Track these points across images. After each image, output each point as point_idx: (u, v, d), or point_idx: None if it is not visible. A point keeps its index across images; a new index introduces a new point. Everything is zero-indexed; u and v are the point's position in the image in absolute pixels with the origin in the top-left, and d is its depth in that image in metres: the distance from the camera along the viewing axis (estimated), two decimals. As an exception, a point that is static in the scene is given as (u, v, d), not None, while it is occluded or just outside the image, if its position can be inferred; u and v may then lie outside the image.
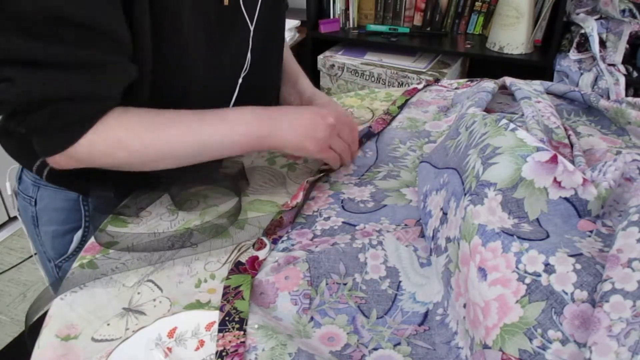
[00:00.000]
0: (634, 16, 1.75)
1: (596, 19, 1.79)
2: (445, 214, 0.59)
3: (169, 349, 0.51)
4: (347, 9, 2.19)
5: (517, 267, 0.46)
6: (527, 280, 0.45)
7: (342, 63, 2.11)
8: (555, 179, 0.52)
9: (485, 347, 0.45)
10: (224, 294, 0.56)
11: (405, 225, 0.66)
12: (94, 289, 0.59)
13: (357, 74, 2.10)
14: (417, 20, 2.16)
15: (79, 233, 0.79)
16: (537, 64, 1.90)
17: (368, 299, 0.57)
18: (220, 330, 0.51)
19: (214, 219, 0.68)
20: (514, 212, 0.52)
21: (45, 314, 0.57)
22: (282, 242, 0.65)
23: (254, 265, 0.60)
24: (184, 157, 0.65)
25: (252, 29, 0.73)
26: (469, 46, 2.02)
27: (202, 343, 0.51)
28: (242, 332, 0.51)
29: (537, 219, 0.52)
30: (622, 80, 1.73)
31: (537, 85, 0.89)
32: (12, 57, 0.55)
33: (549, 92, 0.89)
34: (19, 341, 1.59)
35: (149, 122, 0.63)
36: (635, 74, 1.78)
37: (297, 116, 0.68)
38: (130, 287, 0.59)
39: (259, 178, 0.78)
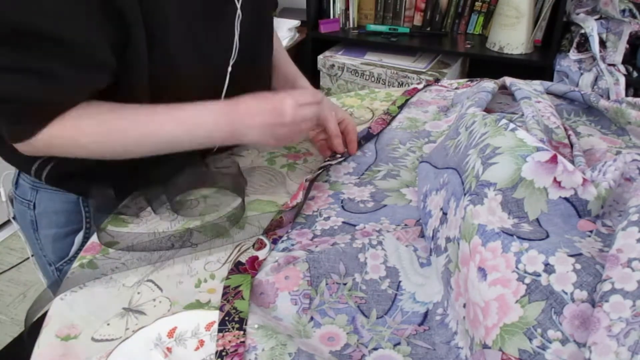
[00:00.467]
0: (634, 16, 1.75)
1: (596, 19, 1.79)
2: (445, 214, 0.59)
3: (169, 349, 0.51)
4: (347, 9, 2.19)
5: (517, 267, 0.46)
6: (527, 280, 0.45)
7: (342, 63, 2.11)
8: (555, 179, 0.52)
9: (485, 347, 0.45)
10: (223, 294, 0.56)
11: (405, 225, 0.66)
12: (94, 288, 0.59)
13: (357, 74, 2.10)
14: (417, 20, 2.16)
15: (80, 235, 0.79)
16: (537, 64, 1.90)
17: (368, 299, 0.57)
18: (220, 330, 0.51)
19: (214, 219, 0.68)
20: (514, 212, 0.52)
21: (45, 314, 0.57)
22: (282, 242, 0.65)
23: (254, 265, 0.60)
24: (142, 154, 0.67)
25: (239, 14, 0.71)
26: (469, 46, 2.02)
27: (202, 343, 0.51)
28: (242, 332, 0.51)
29: (537, 219, 0.52)
30: (622, 80, 1.73)
31: (537, 85, 0.89)
32: None
33: (549, 92, 0.89)
34: (19, 341, 1.59)
35: (106, 124, 0.64)
36: (635, 74, 1.77)
37: (253, 119, 0.68)
38: (130, 287, 0.59)
39: (259, 178, 0.78)
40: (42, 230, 0.79)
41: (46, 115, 0.62)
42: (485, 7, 2.04)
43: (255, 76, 0.80)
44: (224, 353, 0.49)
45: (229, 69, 0.74)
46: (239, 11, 0.71)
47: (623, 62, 1.77)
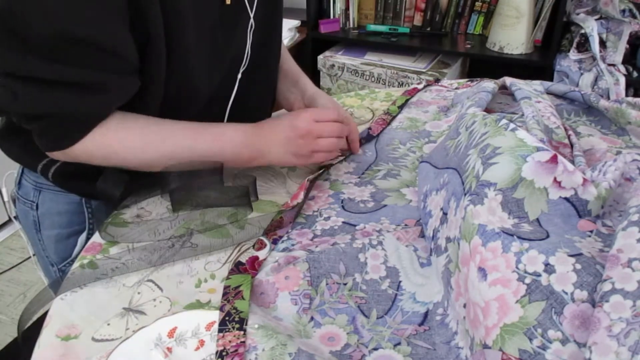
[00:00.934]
0: (634, 16, 1.75)
1: (596, 19, 1.79)
2: (445, 214, 0.59)
3: (169, 349, 0.51)
4: (347, 9, 2.19)
5: (517, 267, 0.46)
6: (527, 280, 0.45)
7: (342, 63, 2.11)
8: (555, 179, 0.52)
9: (485, 347, 0.45)
10: (224, 294, 0.56)
11: (405, 225, 0.66)
12: (94, 288, 0.59)
13: (357, 74, 2.10)
14: (417, 20, 2.16)
15: (83, 236, 0.79)
16: (537, 64, 1.90)
17: (368, 299, 0.57)
18: (220, 330, 0.51)
19: (214, 219, 0.68)
20: (514, 212, 0.52)
21: (45, 314, 0.57)
22: (282, 242, 0.65)
23: (254, 265, 0.60)
24: (173, 167, 0.69)
25: (252, 23, 0.73)
26: (469, 46, 2.02)
27: (202, 343, 0.51)
28: (242, 332, 0.51)
29: (537, 219, 0.52)
30: (622, 80, 1.73)
31: (537, 85, 0.89)
32: (18, 73, 0.57)
33: (549, 92, 0.89)
34: (18, 341, 1.59)
35: (143, 137, 0.66)
36: (635, 74, 1.78)
37: (274, 135, 0.71)
38: (130, 287, 0.59)
39: (259, 178, 0.78)
40: (45, 231, 0.79)
41: (86, 125, 0.63)
42: (485, 7, 2.04)
43: (262, 82, 0.81)
44: (224, 353, 0.49)
45: (239, 75, 0.74)
46: (251, 21, 0.72)
47: (623, 62, 1.77)
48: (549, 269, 0.45)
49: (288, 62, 0.90)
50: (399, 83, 2.04)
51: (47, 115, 0.61)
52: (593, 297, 0.43)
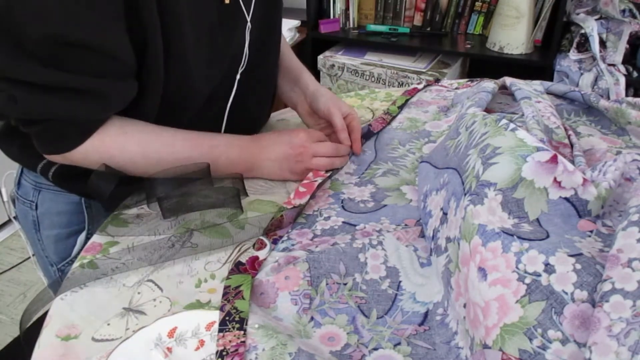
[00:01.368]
0: (634, 16, 1.75)
1: (596, 19, 1.79)
2: (445, 214, 0.60)
3: (169, 349, 0.51)
4: (347, 9, 2.19)
5: (517, 267, 0.46)
6: (527, 280, 0.45)
7: (342, 63, 2.11)
8: (555, 179, 0.52)
9: (485, 347, 0.45)
10: (224, 294, 0.56)
11: (405, 225, 0.66)
12: (94, 288, 0.59)
13: (357, 74, 2.10)
14: (417, 20, 2.16)
15: (82, 236, 0.79)
16: (537, 64, 1.90)
17: (368, 299, 0.57)
18: (220, 330, 0.51)
19: (214, 219, 0.68)
20: (514, 212, 0.52)
21: (45, 313, 0.57)
22: (282, 242, 0.65)
23: (254, 265, 0.60)
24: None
25: (249, 23, 0.73)
26: (469, 46, 2.02)
27: (202, 343, 0.51)
28: (242, 332, 0.51)
29: (537, 219, 0.52)
30: (622, 80, 1.73)
31: (537, 85, 0.89)
32: (15, 77, 0.56)
33: (549, 92, 0.89)
34: (19, 341, 1.59)
35: (142, 145, 0.66)
36: (635, 74, 1.78)
37: (271, 152, 0.74)
38: (130, 287, 0.59)
39: (259, 178, 0.78)
40: (44, 230, 0.79)
41: (85, 130, 0.63)
42: (485, 7, 2.04)
43: (262, 82, 0.81)
44: (224, 353, 0.49)
45: (238, 75, 0.74)
46: (248, 21, 0.72)
47: (623, 62, 1.77)
48: (549, 269, 0.45)
49: (289, 60, 0.90)
50: (399, 83, 2.04)
51: (46, 120, 0.61)
52: (593, 297, 0.43)
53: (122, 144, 0.65)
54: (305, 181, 0.73)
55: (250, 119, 0.76)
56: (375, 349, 0.52)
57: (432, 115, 0.93)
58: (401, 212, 0.69)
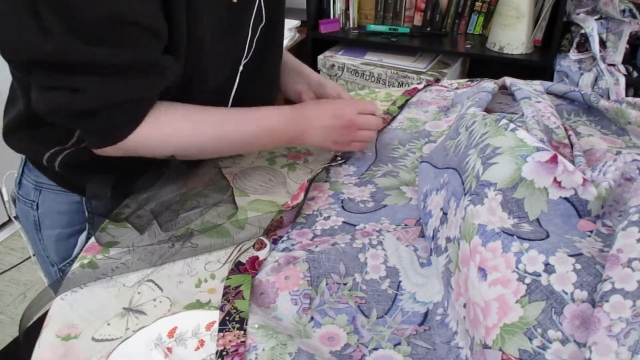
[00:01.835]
0: (634, 16, 1.75)
1: (596, 19, 1.79)
2: (445, 214, 0.59)
3: (169, 349, 0.51)
4: (347, 9, 2.19)
5: (517, 267, 0.46)
6: (527, 280, 0.45)
7: (342, 63, 2.11)
8: (555, 179, 0.52)
9: (485, 347, 0.45)
10: (224, 294, 0.56)
11: (405, 225, 0.66)
12: (94, 288, 0.59)
13: (357, 74, 2.10)
14: (417, 20, 2.16)
15: (83, 236, 0.79)
16: (537, 64, 1.90)
17: (368, 299, 0.57)
18: (220, 330, 0.51)
19: (214, 219, 0.68)
20: (514, 212, 0.52)
21: (45, 313, 0.57)
22: (282, 242, 0.65)
23: (254, 265, 0.60)
24: (224, 153, 0.75)
25: (264, 17, 0.75)
26: (469, 46, 2.02)
27: (202, 343, 0.51)
28: (242, 332, 0.51)
29: (537, 219, 0.52)
30: (622, 80, 1.73)
31: (537, 85, 0.89)
32: (78, 63, 0.57)
33: (549, 92, 0.89)
34: (19, 341, 1.59)
35: (193, 122, 0.68)
36: (635, 74, 1.78)
37: (318, 122, 0.75)
38: (130, 287, 0.59)
39: (259, 178, 0.78)
40: (45, 230, 0.79)
41: (140, 112, 0.63)
42: (485, 7, 2.04)
43: (264, 75, 0.82)
44: (224, 353, 0.49)
45: (240, 68, 0.75)
46: (263, 14, 0.74)
47: (623, 62, 1.77)
48: (549, 269, 0.45)
49: (287, 55, 0.92)
50: (399, 83, 2.04)
51: (108, 106, 0.60)
52: (593, 297, 0.43)
53: (175, 122, 0.66)
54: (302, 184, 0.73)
55: None
56: (375, 349, 0.52)
57: (432, 115, 0.93)
58: (401, 212, 0.69)
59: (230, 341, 0.50)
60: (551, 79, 1.86)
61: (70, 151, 0.71)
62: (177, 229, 0.67)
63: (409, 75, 2.01)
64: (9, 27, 0.55)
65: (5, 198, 0.82)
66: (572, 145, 0.71)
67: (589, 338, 0.40)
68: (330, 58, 2.13)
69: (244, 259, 0.61)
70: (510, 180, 0.53)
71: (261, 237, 0.65)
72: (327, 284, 0.57)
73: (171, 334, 0.52)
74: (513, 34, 1.89)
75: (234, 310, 0.53)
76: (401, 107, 0.96)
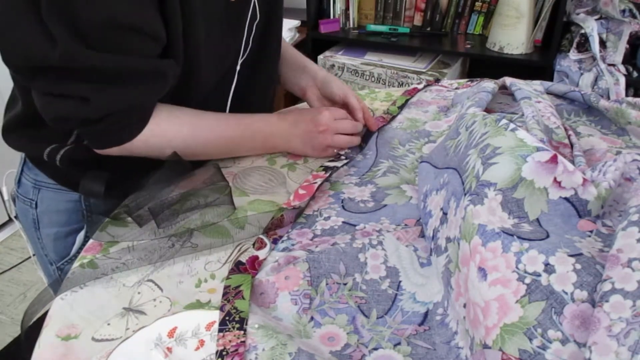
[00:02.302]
0: (634, 16, 1.75)
1: (596, 19, 1.79)
2: (445, 214, 0.60)
3: (169, 349, 0.51)
4: (347, 9, 2.19)
5: (517, 267, 0.46)
6: (527, 280, 0.45)
7: (342, 63, 2.11)
8: (555, 179, 0.52)
9: (485, 347, 0.45)
10: (224, 294, 0.56)
11: (405, 225, 0.66)
12: (94, 288, 0.59)
13: (357, 74, 2.10)
14: (417, 20, 2.16)
15: (81, 234, 0.79)
16: (537, 64, 1.90)
17: (368, 298, 0.57)
18: (220, 330, 0.51)
19: (213, 219, 0.68)
20: (514, 212, 0.52)
21: (45, 313, 0.57)
22: (282, 242, 0.65)
23: (254, 265, 0.60)
24: (214, 156, 0.77)
25: (258, 15, 0.75)
26: (469, 46, 2.02)
27: (202, 343, 0.51)
28: (242, 332, 0.51)
29: (537, 219, 0.52)
30: (622, 80, 1.73)
31: (537, 85, 0.89)
32: (82, 70, 0.57)
33: (549, 92, 0.89)
34: (19, 341, 1.59)
35: (193, 127, 0.70)
36: (635, 74, 1.78)
37: (296, 129, 0.79)
38: (130, 287, 0.59)
39: (259, 178, 0.78)
40: (44, 229, 0.79)
41: (144, 115, 0.65)
42: (485, 7, 2.04)
43: (262, 74, 0.82)
44: (224, 353, 0.49)
45: (238, 67, 0.75)
46: (258, 16, 0.75)
47: (623, 62, 1.77)
48: (549, 269, 0.45)
49: (291, 50, 0.92)
50: (399, 83, 2.04)
51: (111, 113, 0.62)
52: (593, 297, 0.43)
53: (176, 126, 0.68)
54: (305, 183, 0.73)
55: (253, 111, 0.77)
56: (375, 348, 0.52)
57: (432, 115, 0.93)
58: (401, 212, 0.69)
59: (230, 341, 0.50)
60: (551, 79, 1.86)
61: (70, 148, 0.72)
62: (175, 228, 0.67)
63: (409, 75, 2.01)
64: (12, 34, 0.55)
65: (5, 197, 0.82)
66: (572, 145, 0.71)
67: (589, 338, 0.40)
68: (330, 58, 2.13)
69: (244, 258, 0.61)
70: (510, 180, 0.53)
71: (261, 237, 0.65)
72: (327, 284, 0.57)
73: (171, 334, 0.52)
74: (513, 34, 1.89)
75: (234, 310, 0.53)
76: (401, 107, 0.96)
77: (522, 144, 0.55)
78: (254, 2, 0.73)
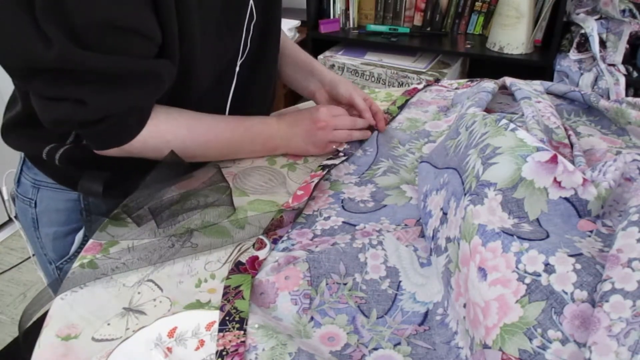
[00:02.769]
0: (634, 16, 1.75)
1: (596, 19, 1.79)
2: (445, 214, 0.60)
3: (169, 349, 0.51)
4: (347, 9, 2.19)
5: (517, 267, 0.46)
6: (527, 280, 0.45)
7: (342, 63, 2.11)
8: (555, 179, 0.52)
9: (485, 347, 0.45)
10: (224, 294, 0.56)
11: (405, 225, 0.66)
12: (94, 288, 0.59)
13: (357, 74, 2.10)
14: (417, 20, 2.16)
15: (80, 234, 0.79)
16: (537, 64, 1.90)
17: (368, 298, 0.57)
18: (220, 330, 0.51)
19: (213, 219, 0.68)
20: (514, 212, 0.52)
21: (45, 313, 0.57)
22: (282, 242, 0.65)
23: (254, 265, 0.60)
24: (212, 158, 0.77)
25: (254, 16, 0.75)
26: (469, 46, 2.02)
27: (202, 343, 0.51)
28: (242, 332, 0.51)
29: (537, 219, 0.52)
30: (622, 80, 1.73)
31: (537, 85, 0.89)
32: (78, 71, 0.57)
33: (549, 92, 0.89)
34: (19, 341, 1.59)
35: (190, 128, 0.70)
36: (635, 74, 1.78)
37: (296, 128, 0.80)
38: (130, 287, 0.59)
39: (259, 178, 0.78)
40: (43, 228, 0.79)
41: (142, 116, 0.65)
42: (485, 7, 2.04)
43: (262, 74, 0.82)
44: (224, 353, 0.49)
45: (237, 68, 0.75)
46: (254, 13, 0.75)
47: (623, 62, 1.77)
48: (548, 269, 0.45)
49: (298, 52, 0.93)
50: (399, 83, 2.04)
51: (109, 115, 0.62)
52: (593, 297, 0.43)
53: (174, 127, 0.68)
54: (302, 184, 0.73)
55: (253, 112, 0.78)
56: (375, 349, 0.52)
57: (432, 115, 0.93)
58: (401, 212, 0.69)
59: (230, 341, 0.50)
60: (551, 79, 1.86)
61: (69, 147, 0.72)
62: (175, 228, 0.67)
63: (409, 75, 2.01)
64: (7, 35, 0.55)
65: (5, 197, 0.82)
66: (572, 145, 0.71)
67: (589, 338, 0.40)
68: (330, 58, 2.13)
69: (244, 258, 0.61)
70: (510, 180, 0.53)
71: (261, 237, 0.65)
72: (327, 284, 0.57)
73: (171, 334, 0.52)
74: (513, 34, 1.89)
75: (234, 310, 0.53)
76: (401, 107, 0.96)
77: (522, 144, 0.55)
78: (251, 3, 0.73)
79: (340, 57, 2.13)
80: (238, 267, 0.60)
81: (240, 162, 0.81)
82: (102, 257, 0.63)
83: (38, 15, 0.54)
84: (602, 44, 1.78)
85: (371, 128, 0.87)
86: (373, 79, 2.08)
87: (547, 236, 0.48)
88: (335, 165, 0.78)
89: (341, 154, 0.81)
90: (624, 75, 1.74)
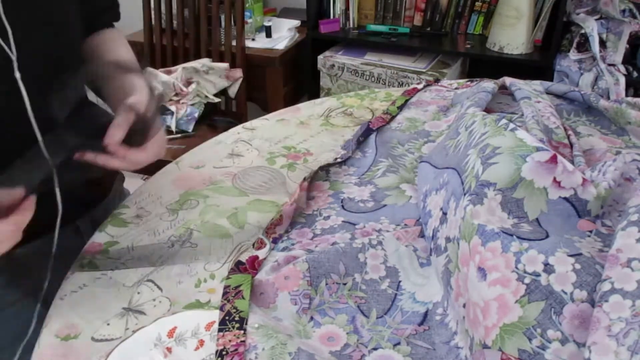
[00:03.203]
0: (634, 16, 1.75)
1: (596, 19, 1.79)
2: (445, 213, 0.60)
3: (169, 349, 0.51)
4: (347, 9, 2.19)
5: (516, 267, 0.46)
6: (527, 280, 0.45)
7: (342, 63, 2.11)
8: (554, 179, 0.52)
9: (485, 346, 0.45)
10: (224, 294, 0.56)
11: (405, 225, 0.66)
12: (94, 288, 0.59)
13: (357, 74, 2.10)
14: (417, 20, 2.16)
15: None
16: (537, 64, 1.90)
17: (368, 298, 0.57)
18: (220, 330, 0.51)
19: (213, 219, 0.68)
20: (514, 212, 0.52)
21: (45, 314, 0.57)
22: (282, 241, 0.65)
23: (254, 264, 0.60)
24: None
25: (14, 58, 0.56)
26: (469, 46, 2.02)
27: (201, 343, 0.51)
28: (242, 332, 0.51)
29: (537, 219, 0.52)
30: (622, 80, 1.73)
31: (537, 85, 0.89)
32: None
33: (549, 92, 0.89)
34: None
35: None
36: (635, 74, 1.77)
37: None
38: (130, 287, 0.59)
39: (259, 178, 0.78)
40: None
41: None
42: (485, 7, 2.04)
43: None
44: (224, 352, 0.49)
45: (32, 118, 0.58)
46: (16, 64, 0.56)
47: (623, 62, 1.77)
48: (548, 268, 0.45)
49: (123, 74, 0.67)
50: (399, 83, 2.04)
51: None
52: (592, 297, 0.43)
53: None
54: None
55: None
56: (375, 348, 0.52)
57: (431, 115, 0.93)
58: (401, 212, 0.69)
59: (230, 341, 0.50)
60: (551, 79, 1.86)
61: None
62: (175, 228, 0.67)
63: (409, 75, 2.01)
64: None
65: None
66: (571, 145, 0.71)
67: (589, 338, 0.40)
68: (330, 58, 2.13)
69: (243, 258, 0.61)
70: (510, 180, 0.53)
71: (261, 237, 0.65)
72: (326, 284, 0.57)
73: (171, 334, 0.52)
74: (513, 34, 1.89)
75: (234, 310, 0.53)
76: (401, 108, 0.96)
77: (522, 144, 0.55)
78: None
79: (340, 57, 2.13)
80: (238, 267, 0.60)
81: (239, 162, 0.81)
82: (101, 257, 0.63)
83: None
84: (602, 44, 1.78)
85: (370, 129, 0.87)
86: (373, 79, 2.08)
87: (547, 236, 0.48)
88: (330, 164, 0.78)
89: (339, 159, 0.80)
90: (624, 75, 1.74)
